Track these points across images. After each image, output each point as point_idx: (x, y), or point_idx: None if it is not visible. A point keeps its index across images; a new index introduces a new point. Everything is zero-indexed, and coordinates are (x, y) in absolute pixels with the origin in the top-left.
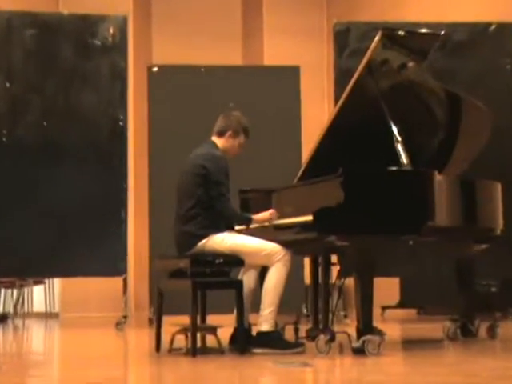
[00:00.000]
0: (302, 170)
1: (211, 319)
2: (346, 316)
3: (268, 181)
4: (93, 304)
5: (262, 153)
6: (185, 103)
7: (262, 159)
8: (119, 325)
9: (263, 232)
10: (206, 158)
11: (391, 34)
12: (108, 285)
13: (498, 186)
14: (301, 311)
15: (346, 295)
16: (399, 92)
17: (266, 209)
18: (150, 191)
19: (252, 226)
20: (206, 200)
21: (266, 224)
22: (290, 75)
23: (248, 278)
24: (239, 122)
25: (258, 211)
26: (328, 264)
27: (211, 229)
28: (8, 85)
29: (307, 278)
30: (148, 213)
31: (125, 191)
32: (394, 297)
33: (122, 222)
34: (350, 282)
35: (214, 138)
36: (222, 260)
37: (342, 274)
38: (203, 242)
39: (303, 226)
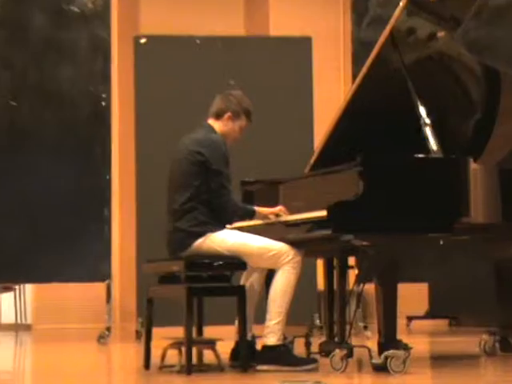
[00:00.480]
0: (314, 157)
1: (209, 331)
2: (365, 328)
3: (274, 170)
4: (71, 314)
5: (268, 138)
6: (177, 80)
7: (267, 145)
8: (102, 338)
9: (269, 230)
10: (202, 143)
11: None
12: (89, 292)
13: None
14: (313, 322)
15: (366, 303)
16: (428, 67)
17: (273, 203)
18: (138, 183)
19: (255, 219)
20: (204, 192)
21: (272, 220)
22: (300, 48)
23: (252, 284)
24: (240, 103)
25: (263, 205)
26: (344, 267)
27: (209, 226)
28: None
29: (320, 283)
30: (135, 208)
31: (108, 183)
32: (422, 305)
33: (105, 220)
34: (370, 288)
35: (211, 121)
36: (221, 262)
37: (361, 279)
38: (200, 241)
39: (316, 223)
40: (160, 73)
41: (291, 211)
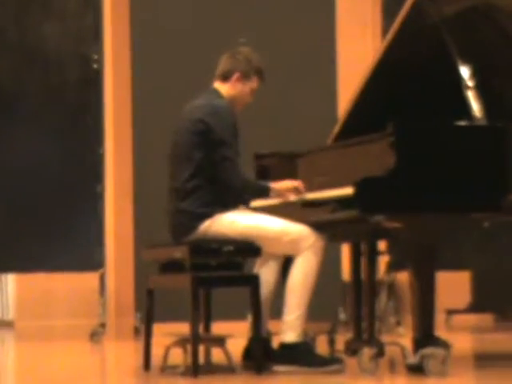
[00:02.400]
0: (338, 126)
1: (218, 327)
2: (398, 323)
3: (292, 142)
4: (59, 308)
5: (284, 104)
6: (179, 37)
7: (283, 113)
8: (95, 336)
9: (286, 210)
10: (205, 110)
11: None
12: (79, 283)
13: None
14: (337, 317)
15: (399, 295)
16: (471, 20)
17: (290, 179)
18: (135, 157)
19: (270, 198)
20: (209, 168)
21: (291, 199)
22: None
23: (267, 272)
24: (249, 61)
25: (278, 181)
26: (374, 253)
27: (217, 206)
28: None
29: (346, 272)
30: (132, 186)
31: (101, 157)
32: (464, 297)
33: (98, 199)
34: (403, 277)
35: (217, 84)
36: (231, 248)
37: (393, 267)
38: (207, 223)
39: (341, 202)
40: (160, 29)
41: (312, 188)
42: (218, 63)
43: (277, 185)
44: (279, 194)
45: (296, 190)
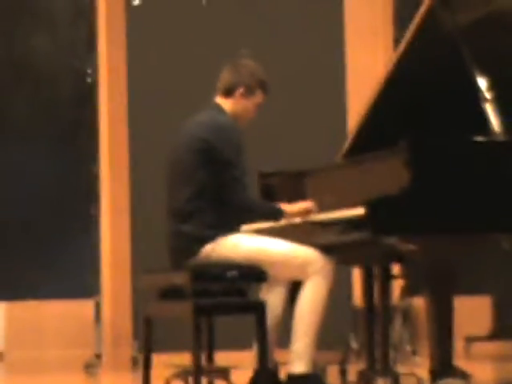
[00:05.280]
0: (348, 142)
1: (221, 358)
2: (414, 352)
3: (299, 159)
4: (51, 339)
5: (290, 119)
6: (178, 49)
7: (289, 128)
8: (90, 367)
9: (293, 232)
10: (208, 127)
11: None
12: (73, 311)
13: None
14: (349, 345)
15: (414, 322)
16: (488, 29)
17: (297, 200)
18: (132, 177)
19: (283, 220)
20: (211, 188)
21: (298, 221)
22: (328, 6)
23: (273, 298)
24: (253, 74)
25: (284, 202)
26: (387, 277)
27: (220, 228)
28: None
29: (357, 297)
30: (129, 207)
31: (95, 177)
32: (484, 324)
33: (92, 222)
34: (419, 302)
35: (220, 99)
36: (235, 273)
37: (408, 292)
38: (209, 247)
39: (351, 223)
40: (157, 40)
41: (320, 209)
42: (220, 76)
43: (289, 207)
44: (292, 216)
45: (308, 212)
